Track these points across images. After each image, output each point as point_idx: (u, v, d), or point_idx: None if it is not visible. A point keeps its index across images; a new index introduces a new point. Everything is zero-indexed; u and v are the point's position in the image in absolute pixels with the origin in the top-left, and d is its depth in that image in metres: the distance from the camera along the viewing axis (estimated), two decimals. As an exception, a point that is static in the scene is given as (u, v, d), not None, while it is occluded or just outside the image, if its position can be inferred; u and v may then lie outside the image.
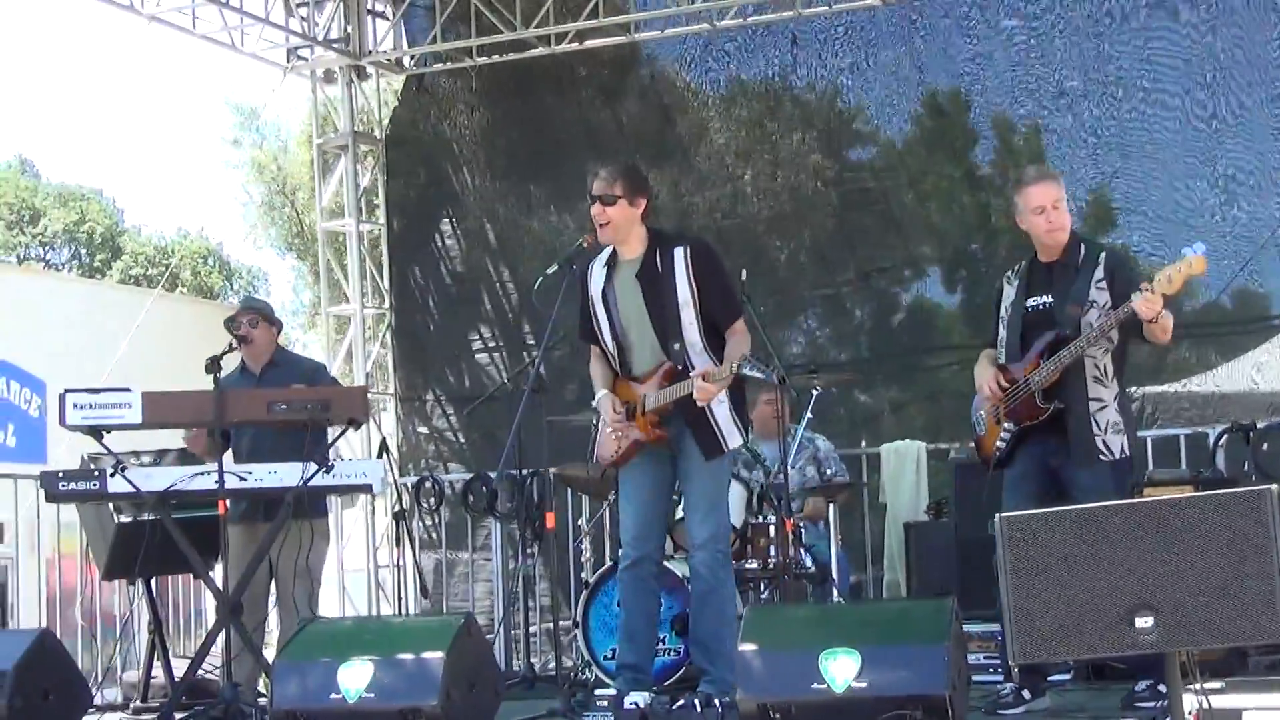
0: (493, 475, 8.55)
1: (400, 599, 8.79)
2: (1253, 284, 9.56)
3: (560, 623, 8.71)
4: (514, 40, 11.04)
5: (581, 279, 5.87)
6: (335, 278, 12.31)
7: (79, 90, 55.27)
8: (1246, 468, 7.17)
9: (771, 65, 10.85)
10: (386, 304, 11.78)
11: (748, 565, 7.01)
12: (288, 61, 11.68)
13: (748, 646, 4.84)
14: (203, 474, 6.03)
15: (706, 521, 5.71)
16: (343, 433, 6.29)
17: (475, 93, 11.63)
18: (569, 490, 8.50)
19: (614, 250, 5.81)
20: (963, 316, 10.49)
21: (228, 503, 6.07)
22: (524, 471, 7.80)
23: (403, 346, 11.82)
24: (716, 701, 5.43)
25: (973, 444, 6.11)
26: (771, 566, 6.94)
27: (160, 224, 49.25)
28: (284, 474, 6.01)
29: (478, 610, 10.23)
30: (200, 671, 6.36)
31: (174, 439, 7.08)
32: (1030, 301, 5.77)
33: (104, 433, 5.98)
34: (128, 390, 5.99)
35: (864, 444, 9.51)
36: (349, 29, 11.57)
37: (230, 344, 6.45)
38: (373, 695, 5.16)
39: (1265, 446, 7.09)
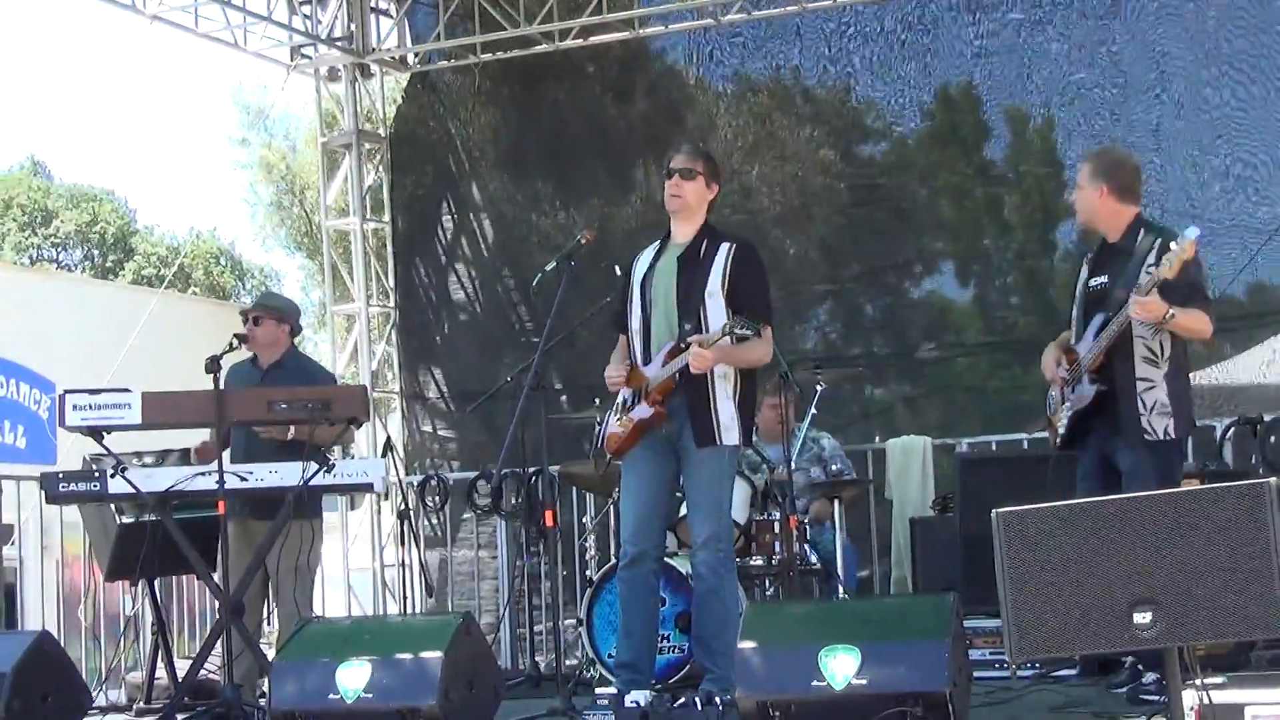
0: (495, 473, 8.52)
1: (406, 598, 8.77)
2: (1266, 277, 9.50)
3: (565, 621, 8.69)
4: (518, 36, 11.01)
5: (628, 267, 5.95)
6: (341, 277, 12.29)
7: (90, 91, 55.53)
8: (1254, 461, 7.13)
9: (780, 60, 10.82)
10: (392, 302, 11.76)
11: (753, 562, 6.99)
12: (291, 60, 11.66)
13: (747, 644, 4.80)
14: (203, 474, 6.01)
15: (707, 520, 5.68)
16: (343, 433, 6.28)
17: (480, 90, 11.60)
18: (574, 488, 8.46)
19: (664, 236, 5.89)
20: (976, 311, 10.45)
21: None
22: (528, 469, 7.77)
23: (408, 345, 11.80)
24: (717, 699, 5.40)
25: (1044, 428, 6.03)
26: (776, 563, 6.92)
27: (173, 224, 49.38)
28: (284, 474, 5.99)
29: (483, 609, 10.20)
30: (203, 671, 6.34)
31: (178, 440, 7.06)
32: (1093, 282, 5.76)
33: (104, 433, 5.96)
34: (127, 391, 5.97)
35: (877, 439, 9.47)
36: (352, 27, 11.55)
37: (231, 342, 6.42)
38: (371, 695, 5.13)
39: (1273, 440, 7.07)
